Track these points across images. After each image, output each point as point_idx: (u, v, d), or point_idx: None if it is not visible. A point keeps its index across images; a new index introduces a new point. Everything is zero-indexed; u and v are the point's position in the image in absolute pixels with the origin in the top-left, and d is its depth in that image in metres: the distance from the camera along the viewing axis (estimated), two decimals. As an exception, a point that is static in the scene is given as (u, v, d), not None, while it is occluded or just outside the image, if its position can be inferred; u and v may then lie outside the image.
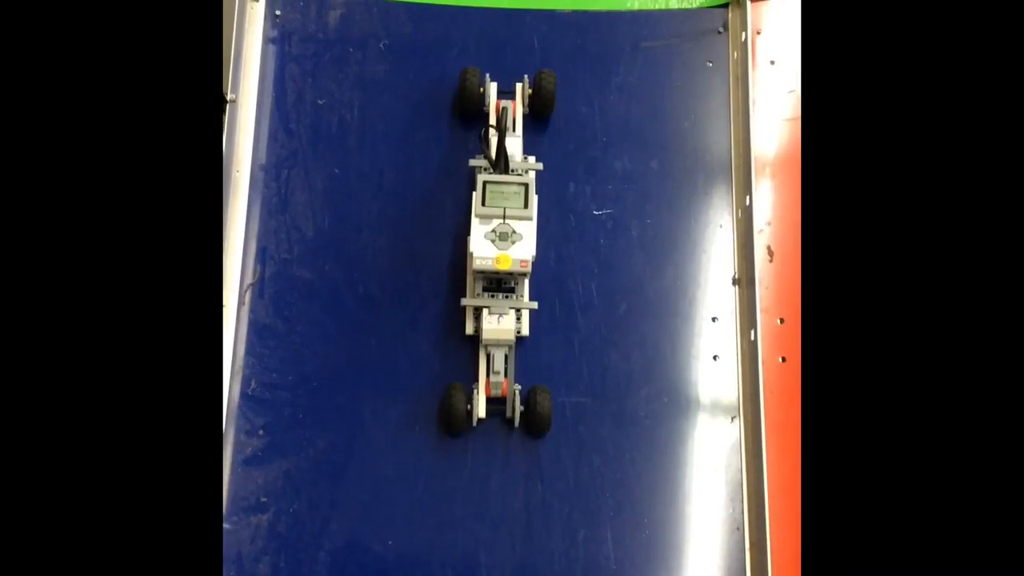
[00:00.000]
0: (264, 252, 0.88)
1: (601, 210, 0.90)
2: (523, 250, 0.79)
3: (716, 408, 0.85)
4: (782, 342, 0.86)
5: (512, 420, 0.82)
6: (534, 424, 0.82)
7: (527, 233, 0.80)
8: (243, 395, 0.83)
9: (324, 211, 0.89)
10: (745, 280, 0.87)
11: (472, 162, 0.85)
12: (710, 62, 0.95)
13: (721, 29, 0.96)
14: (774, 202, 0.91)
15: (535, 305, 0.84)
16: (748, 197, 0.88)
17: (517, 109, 0.91)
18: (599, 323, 0.87)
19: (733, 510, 0.82)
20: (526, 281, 0.84)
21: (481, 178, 0.82)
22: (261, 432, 0.82)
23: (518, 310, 0.83)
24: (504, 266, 0.79)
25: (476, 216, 0.80)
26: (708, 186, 0.92)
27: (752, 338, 0.84)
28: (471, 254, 0.80)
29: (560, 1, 0.96)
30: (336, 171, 0.91)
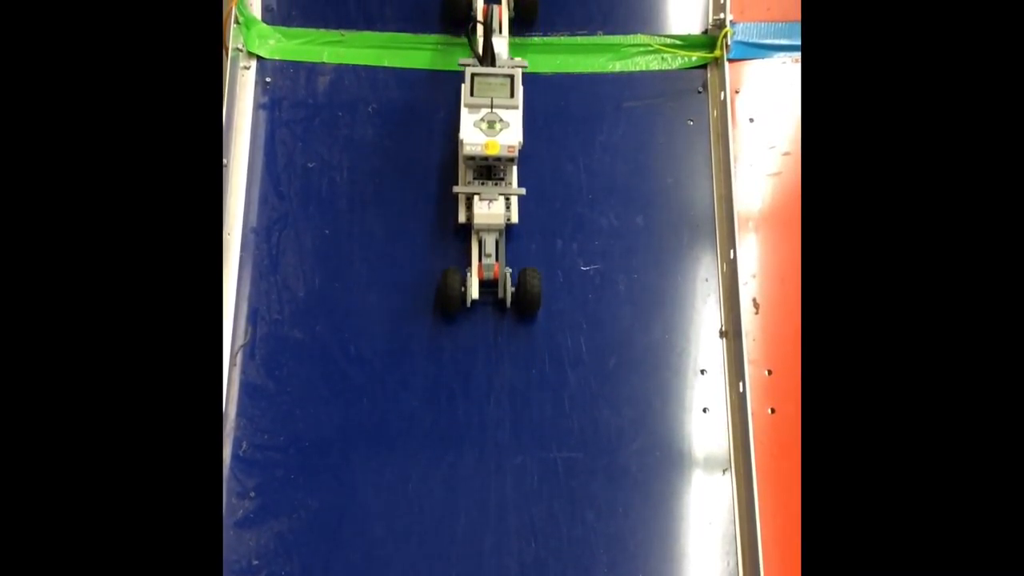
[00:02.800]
0: (255, 313, 0.89)
1: (588, 266, 0.92)
2: (510, 136, 0.84)
3: (708, 461, 0.85)
4: (771, 394, 0.87)
5: (504, 301, 0.86)
6: (525, 303, 0.85)
7: (514, 121, 0.84)
8: (234, 456, 0.83)
9: (315, 271, 0.90)
10: (732, 332, 0.88)
11: (461, 61, 0.89)
12: (691, 121, 0.98)
13: (701, 89, 0.99)
14: (758, 255, 0.93)
15: (523, 191, 0.88)
16: (732, 251, 0.90)
17: (504, 12, 0.96)
18: (589, 378, 0.87)
19: (728, 563, 0.81)
20: (514, 168, 0.88)
21: (469, 71, 0.86)
22: (253, 494, 0.82)
23: (507, 197, 0.87)
24: (492, 151, 0.83)
25: (465, 106, 0.84)
26: (693, 241, 0.93)
27: (741, 390, 0.85)
28: (461, 141, 0.83)
29: (544, 64, 0.99)
30: (326, 232, 0.92)
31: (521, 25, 0.99)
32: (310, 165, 0.95)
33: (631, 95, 0.99)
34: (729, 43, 0.97)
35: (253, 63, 0.98)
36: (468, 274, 0.86)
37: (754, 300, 0.91)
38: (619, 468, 0.84)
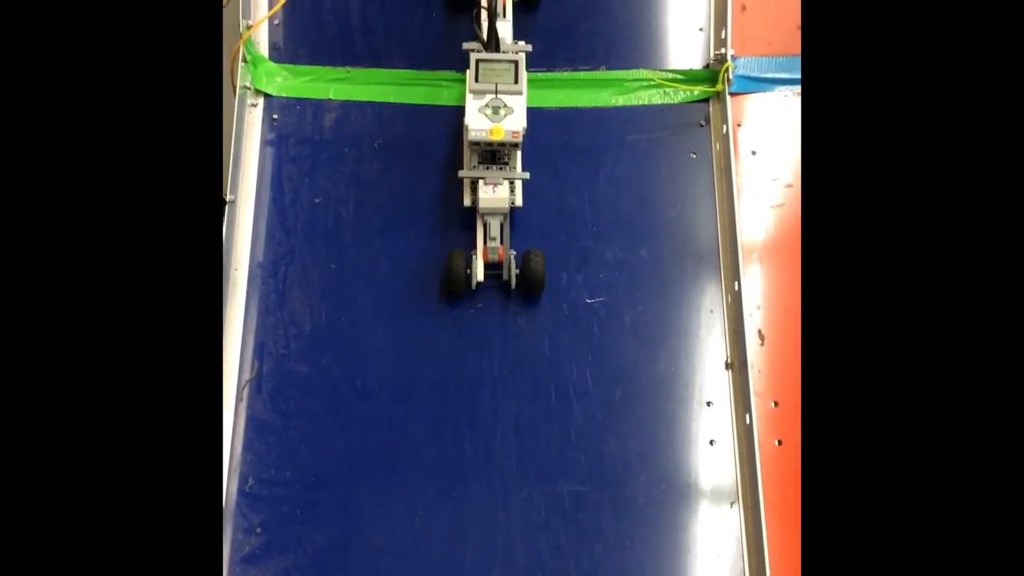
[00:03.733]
0: (262, 348, 0.89)
1: (594, 298, 0.92)
2: (514, 122, 0.85)
3: (715, 493, 0.85)
4: (777, 425, 0.87)
5: (509, 283, 0.88)
6: (530, 284, 0.87)
7: (518, 106, 0.86)
8: (240, 492, 0.83)
9: (321, 305, 0.91)
10: (738, 364, 0.88)
11: (465, 45, 0.90)
12: (694, 154, 0.98)
13: (703, 122, 1.00)
14: (763, 286, 0.93)
15: (527, 175, 0.89)
16: (737, 282, 0.90)
17: None
18: (595, 410, 0.87)
19: (737, 598, 0.81)
20: (518, 153, 0.89)
21: (474, 57, 0.87)
22: (259, 530, 0.82)
23: (511, 181, 0.88)
24: (497, 136, 0.85)
25: (470, 92, 0.86)
26: (697, 272, 0.94)
27: (747, 422, 0.85)
28: (467, 127, 0.85)
29: (548, 99, 1.00)
30: (333, 266, 0.93)
31: (524, 9, 1.00)
32: (316, 200, 0.95)
33: (634, 129, 1.00)
34: (730, 77, 0.98)
35: (260, 100, 0.99)
36: (473, 256, 0.87)
37: (759, 331, 0.91)
38: (626, 501, 0.84)
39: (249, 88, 0.98)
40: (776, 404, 0.88)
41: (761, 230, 0.96)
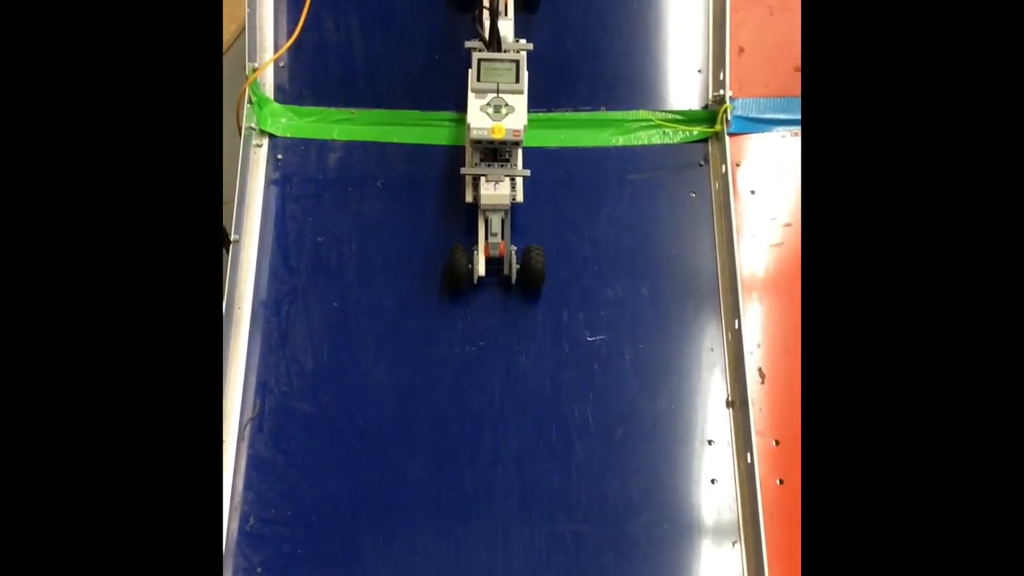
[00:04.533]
0: (264, 386, 0.89)
1: (594, 336, 0.92)
2: (515, 120, 0.87)
3: (717, 533, 0.84)
4: (779, 464, 0.87)
5: (510, 278, 0.90)
6: (530, 278, 0.90)
7: (519, 105, 0.87)
8: (241, 532, 0.83)
9: (323, 343, 0.91)
10: (739, 402, 0.89)
11: (468, 44, 0.91)
12: (693, 193, 0.99)
13: (702, 162, 1.01)
14: (763, 324, 0.94)
15: (528, 173, 0.91)
16: (737, 320, 0.91)
17: None
18: (596, 448, 0.87)
19: (740, 639, 0.80)
20: (519, 151, 0.91)
21: (476, 56, 0.89)
22: (259, 570, 0.81)
23: (512, 178, 0.90)
24: (499, 135, 0.86)
25: (472, 91, 0.87)
26: (698, 311, 0.94)
27: (748, 461, 0.85)
28: (468, 125, 0.86)
29: (549, 139, 1.01)
30: (335, 304, 0.93)
31: (525, 9, 1.02)
32: (320, 239, 0.96)
33: (634, 168, 1.01)
34: (729, 118, 0.99)
35: (265, 141, 1.00)
36: (475, 252, 0.89)
37: (760, 370, 0.91)
38: (628, 541, 0.83)
39: (254, 129, 0.99)
40: (777, 443, 0.88)
41: (761, 268, 0.96)
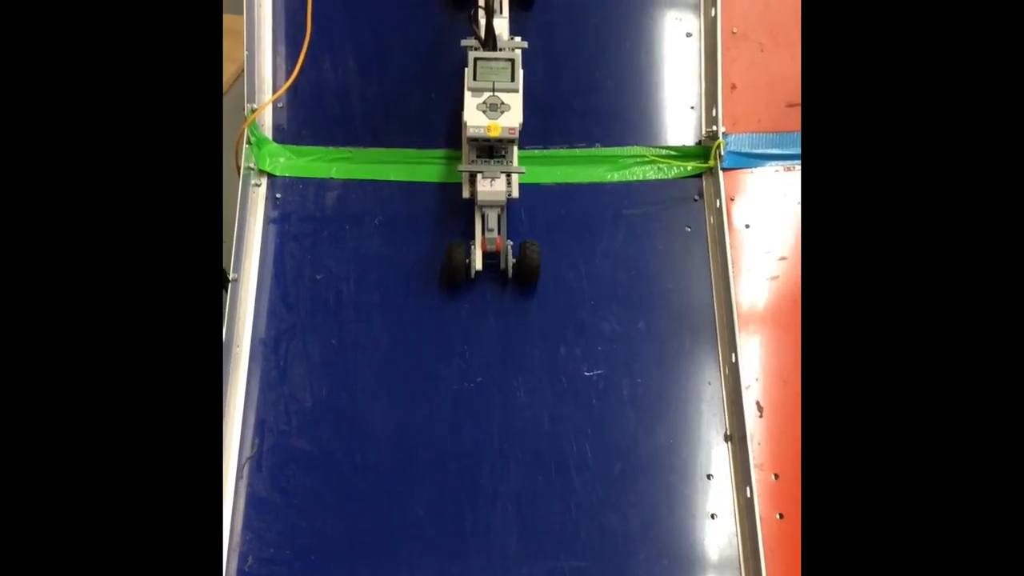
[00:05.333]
0: (263, 424, 0.89)
1: (592, 371, 0.93)
2: (511, 119, 0.88)
3: (717, 568, 0.84)
4: (779, 498, 0.86)
5: (506, 272, 0.93)
6: (525, 273, 0.92)
7: (514, 104, 0.88)
8: (240, 572, 0.82)
9: (322, 381, 0.92)
10: (737, 436, 0.89)
11: (464, 42, 0.92)
12: (688, 227, 1.00)
13: (697, 197, 1.02)
14: (760, 358, 0.94)
15: (524, 170, 0.92)
16: (734, 354, 0.91)
17: None
18: (595, 483, 0.87)
19: (742, 676, 0.80)
20: (515, 148, 0.92)
21: (472, 55, 0.90)
22: (258, 610, 0.81)
23: (508, 174, 0.92)
24: (495, 133, 0.87)
25: (468, 90, 0.88)
26: (694, 345, 0.94)
27: (748, 495, 0.84)
28: (465, 123, 0.88)
29: (545, 175, 1.02)
30: (333, 342, 0.94)
31: (520, 7, 1.04)
32: (318, 277, 0.97)
33: (630, 204, 1.01)
34: (722, 153, 1.00)
35: (264, 180, 1.01)
36: (472, 246, 0.91)
37: (757, 403, 0.91)
38: (628, 577, 0.83)
39: (253, 168, 1.00)
40: (777, 476, 0.88)
41: (757, 302, 0.97)
